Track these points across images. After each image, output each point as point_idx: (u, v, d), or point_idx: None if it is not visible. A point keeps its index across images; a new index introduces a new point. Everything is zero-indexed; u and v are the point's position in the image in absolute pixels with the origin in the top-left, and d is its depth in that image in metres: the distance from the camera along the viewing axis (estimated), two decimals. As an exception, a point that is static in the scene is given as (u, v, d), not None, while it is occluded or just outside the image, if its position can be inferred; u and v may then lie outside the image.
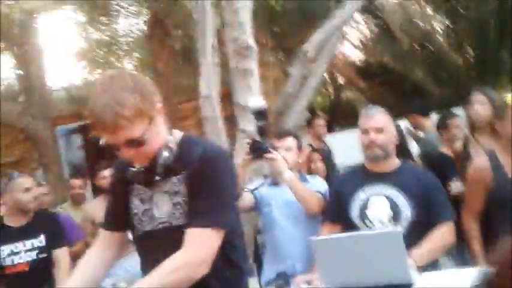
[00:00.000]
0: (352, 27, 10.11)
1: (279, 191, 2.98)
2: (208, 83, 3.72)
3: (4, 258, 3.11)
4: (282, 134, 3.08)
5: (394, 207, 2.45)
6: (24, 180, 3.20)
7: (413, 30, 8.97)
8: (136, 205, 1.75)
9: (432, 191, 2.49)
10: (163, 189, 1.69)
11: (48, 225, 3.25)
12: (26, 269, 3.08)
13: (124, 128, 1.49)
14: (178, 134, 1.73)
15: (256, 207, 3.01)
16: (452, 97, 7.13)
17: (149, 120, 1.56)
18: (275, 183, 3.03)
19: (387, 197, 2.48)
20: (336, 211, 2.62)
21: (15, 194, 3.14)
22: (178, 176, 1.67)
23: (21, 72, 9.70)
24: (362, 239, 2.16)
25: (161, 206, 1.70)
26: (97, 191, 4.46)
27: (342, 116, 9.77)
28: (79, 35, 12.72)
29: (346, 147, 5.44)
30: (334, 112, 5.96)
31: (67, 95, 13.57)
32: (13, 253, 3.12)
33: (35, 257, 3.14)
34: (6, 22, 9.30)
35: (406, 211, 2.43)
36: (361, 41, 10.26)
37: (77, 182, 4.98)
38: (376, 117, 2.56)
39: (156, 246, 1.66)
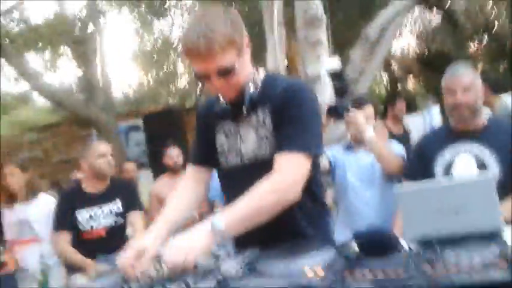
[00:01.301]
0: (411, 16, 9.92)
1: (355, 155, 2.94)
2: (275, 57, 3.71)
3: (82, 223, 3.19)
4: (361, 102, 3.00)
5: (481, 165, 2.33)
6: (100, 146, 3.29)
7: (476, 17, 8.70)
8: (223, 141, 1.78)
9: None
10: (250, 124, 1.71)
11: (124, 191, 3.32)
12: (103, 234, 3.16)
13: (216, 55, 1.54)
14: (262, 71, 1.76)
15: (331, 171, 2.97)
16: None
17: (239, 51, 1.60)
18: (351, 148, 2.99)
19: (474, 155, 2.37)
20: (418, 170, 2.50)
21: (91, 160, 3.22)
22: (264, 109, 1.69)
23: (81, 72, 10.15)
24: (452, 187, 2.07)
25: (247, 141, 1.72)
26: (163, 170, 4.60)
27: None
28: (136, 36, 13.13)
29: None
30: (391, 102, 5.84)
31: (124, 94, 14.09)
32: (91, 218, 3.20)
33: (112, 223, 3.21)
34: (68, 22, 9.74)
35: (494, 169, 2.30)
36: (420, 30, 10.05)
37: (129, 165, 5.13)
38: (463, 76, 2.43)
39: (243, 181, 1.64)
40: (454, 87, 2.42)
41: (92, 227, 3.20)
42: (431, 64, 8.90)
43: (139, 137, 9.18)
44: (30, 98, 13.33)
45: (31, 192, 3.88)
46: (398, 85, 11.47)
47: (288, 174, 1.59)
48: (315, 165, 1.74)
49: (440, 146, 2.47)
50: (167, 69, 13.39)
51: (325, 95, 3.11)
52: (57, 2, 10.42)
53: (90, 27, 9.73)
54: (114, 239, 3.11)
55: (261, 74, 1.75)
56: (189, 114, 7.68)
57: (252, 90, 1.67)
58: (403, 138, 4.78)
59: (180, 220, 1.74)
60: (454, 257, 1.11)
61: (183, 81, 13.47)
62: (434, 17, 9.90)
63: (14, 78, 10.06)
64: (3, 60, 8.63)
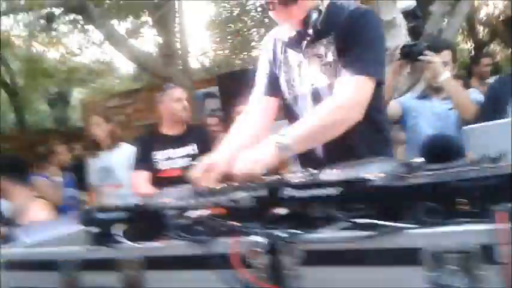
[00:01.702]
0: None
1: (429, 103, 2.86)
2: None
3: (160, 162, 3.37)
4: (438, 45, 2.92)
5: None
6: (175, 91, 3.44)
7: None
8: (288, 71, 1.83)
9: None
10: (314, 52, 1.75)
11: (200, 136, 3.49)
12: (180, 174, 3.30)
13: None
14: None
15: (402, 118, 2.92)
16: None
17: None
18: (425, 95, 2.90)
19: None
20: (491, 112, 2.44)
21: (168, 104, 3.38)
22: (328, 38, 1.72)
23: (161, 39, 10.48)
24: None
25: (311, 69, 1.76)
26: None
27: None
28: (213, 4, 13.30)
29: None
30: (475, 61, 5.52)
31: (200, 62, 14.40)
32: (168, 158, 3.37)
33: (188, 164, 3.34)
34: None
35: None
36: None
37: (212, 119, 5.26)
38: None
39: (307, 108, 1.67)
40: None
41: (169, 166, 3.36)
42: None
43: (216, 103, 9.38)
44: (113, 66, 13.99)
45: (114, 141, 4.14)
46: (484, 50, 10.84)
47: (351, 94, 1.61)
48: (379, 94, 1.75)
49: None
50: (242, 37, 13.51)
51: (401, 38, 3.02)
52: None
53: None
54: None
55: (325, 2, 1.76)
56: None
57: (316, 16, 1.70)
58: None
59: (247, 143, 1.81)
60: None
61: (257, 50, 13.56)
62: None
63: (99, 42, 10.57)
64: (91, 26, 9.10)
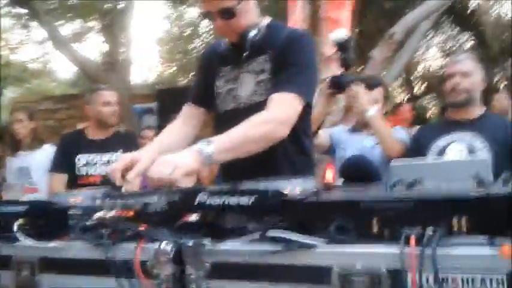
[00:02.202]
0: (436, 34, 9.87)
1: (358, 136, 2.89)
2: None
3: (79, 167, 3.19)
4: (371, 82, 2.96)
5: (472, 153, 2.35)
6: (105, 93, 3.29)
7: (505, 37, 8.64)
8: (221, 85, 1.83)
9: None
10: (249, 69, 1.76)
11: (127, 141, 3.31)
12: (98, 181, 3.13)
13: None
14: (267, 19, 1.81)
15: (332, 148, 2.93)
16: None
17: None
18: (355, 129, 2.94)
19: (466, 144, 2.39)
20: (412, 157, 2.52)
21: (96, 105, 3.23)
22: (265, 55, 1.73)
23: (107, 48, 10.26)
24: (446, 164, 2.04)
25: (245, 85, 1.76)
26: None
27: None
28: (165, 20, 13.21)
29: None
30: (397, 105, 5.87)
31: (143, 77, 14.19)
32: (88, 164, 3.20)
33: None
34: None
35: (485, 156, 2.28)
36: (444, 49, 10.00)
37: (149, 133, 5.11)
38: (463, 62, 2.48)
39: (238, 124, 1.64)
40: (453, 72, 2.45)
41: (87, 172, 3.19)
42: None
43: (153, 120, 9.22)
44: (51, 68, 13.50)
45: (36, 141, 3.91)
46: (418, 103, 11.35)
47: (279, 110, 1.62)
48: (306, 117, 1.77)
49: (435, 135, 2.50)
50: (190, 57, 13.46)
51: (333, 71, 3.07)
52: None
53: (121, 4, 9.84)
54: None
55: (266, 21, 1.80)
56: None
57: (255, 32, 1.72)
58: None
59: (171, 147, 1.74)
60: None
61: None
62: (463, 37, 9.83)
63: (40, 41, 10.19)
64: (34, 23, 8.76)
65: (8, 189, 2.66)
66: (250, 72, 1.76)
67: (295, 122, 1.65)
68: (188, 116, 1.90)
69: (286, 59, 1.69)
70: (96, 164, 3.21)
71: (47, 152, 3.84)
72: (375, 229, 0.92)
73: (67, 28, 10.45)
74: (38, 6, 8.15)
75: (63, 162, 3.21)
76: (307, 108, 1.74)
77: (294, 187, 1.20)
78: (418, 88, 11.45)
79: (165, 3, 12.32)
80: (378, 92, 2.87)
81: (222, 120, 1.79)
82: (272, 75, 1.71)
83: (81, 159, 3.21)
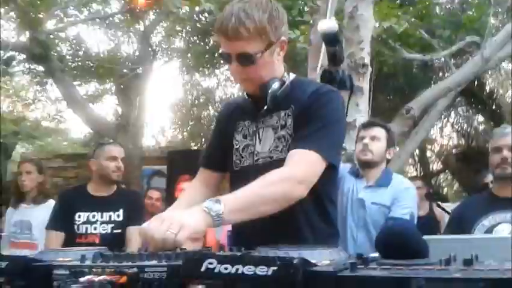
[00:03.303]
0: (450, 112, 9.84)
1: (360, 184, 2.72)
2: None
3: (78, 225, 2.99)
4: (369, 123, 2.90)
5: None
6: (111, 148, 3.14)
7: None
8: (239, 141, 1.69)
9: None
10: (269, 124, 1.63)
11: (129, 202, 3.13)
12: (97, 241, 2.95)
13: (242, 38, 1.49)
14: (293, 75, 1.69)
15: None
16: None
17: (267, 45, 1.54)
18: (357, 172, 2.79)
19: None
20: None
21: (100, 160, 3.07)
22: (286, 110, 1.60)
23: (121, 110, 10.32)
24: (485, 242, 1.85)
25: (264, 141, 1.62)
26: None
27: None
28: (180, 87, 13.40)
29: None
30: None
31: (156, 140, 14.20)
32: (88, 222, 3.00)
33: (109, 231, 3.00)
34: (119, 60, 10.04)
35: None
36: (463, 128, 9.95)
37: (155, 193, 4.95)
38: (510, 134, 2.34)
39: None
40: (501, 145, 2.33)
41: (86, 230, 2.99)
42: (470, 161, 8.66)
43: (162, 183, 9.08)
44: (64, 127, 13.58)
45: (42, 195, 3.75)
46: (432, 180, 11.17)
47: (298, 168, 1.47)
48: (329, 180, 1.61)
49: (480, 213, 2.33)
50: (203, 124, 13.52)
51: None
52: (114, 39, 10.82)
53: (139, 69, 10.00)
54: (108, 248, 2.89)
55: (291, 76, 1.68)
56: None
57: (277, 86, 1.59)
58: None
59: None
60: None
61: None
62: (478, 116, 9.80)
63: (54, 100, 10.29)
64: (51, 81, 8.85)
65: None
66: (270, 127, 1.62)
67: (315, 182, 1.49)
68: (204, 180, 1.77)
69: (310, 114, 1.55)
70: (96, 222, 3.01)
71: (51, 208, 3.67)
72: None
73: (82, 88, 10.60)
74: (55, 65, 8.25)
75: (62, 219, 3.02)
76: (331, 171, 1.57)
77: (321, 257, 1.00)
78: (433, 165, 11.29)
79: (180, 71, 12.52)
80: (375, 130, 2.78)
81: (239, 177, 1.62)
82: (293, 130, 1.57)
83: (81, 216, 3.01)
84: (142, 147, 10.31)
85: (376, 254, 1.06)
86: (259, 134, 1.64)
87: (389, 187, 2.72)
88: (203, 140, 13.56)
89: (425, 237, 1.37)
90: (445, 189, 11.21)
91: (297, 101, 1.59)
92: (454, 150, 10.27)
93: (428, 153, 11.15)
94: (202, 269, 0.94)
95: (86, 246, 2.92)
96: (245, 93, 1.69)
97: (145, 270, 1.05)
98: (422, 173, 10.76)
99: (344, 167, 2.65)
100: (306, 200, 1.49)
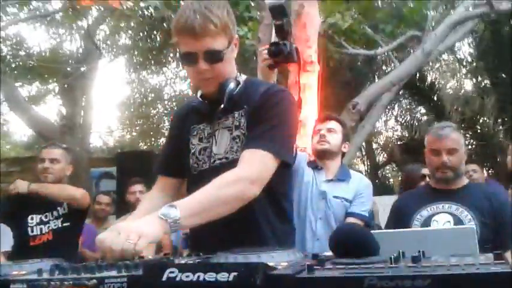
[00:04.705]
0: (396, 105, 10.15)
1: (320, 176, 2.78)
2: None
3: (33, 227, 3.06)
4: (325, 117, 2.95)
5: (459, 224, 2.26)
6: (44, 151, 3.19)
7: (463, 112, 8.98)
8: (195, 144, 1.69)
9: (503, 211, 2.31)
10: (225, 125, 1.64)
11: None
12: (51, 237, 3.03)
13: (209, 35, 1.50)
14: (244, 75, 1.71)
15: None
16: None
17: (229, 42, 1.56)
18: (315, 164, 2.84)
19: (452, 214, 2.33)
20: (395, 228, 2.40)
21: (37, 163, 3.08)
22: (240, 111, 1.62)
23: (66, 111, 10.03)
24: (431, 234, 1.93)
25: (220, 142, 1.64)
26: (125, 207, 4.33)
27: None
28: (127, 85, 13.15)
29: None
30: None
31: (104, 141, 13.90)
32: (41, 222, 3.05)
33: (59, 225, 3.07)
34: (62, 59, 9.75)
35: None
36: (406, 120, 10.27)
37: (104, 198, 4.86)
38: (449, 138, 2.41)
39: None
40: (439, 148, 2.40)
41: (41, 231, 3.06)
42: (414, 153, 8.99)
43: (112, 185, 8.91)
44: (6, 130, 13.07)
45: None
46: (379, 172, 11.50)
47: (251, 168, 1.48)
48: (283, 178, 1.63)
49: (419, 205, 2.42)
50: (152, 123, 13.34)
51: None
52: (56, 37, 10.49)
53: (83, 68, 9.74)
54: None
55: (244, 76, 1.70)
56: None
57: (233, 85, 1.60)
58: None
59: None
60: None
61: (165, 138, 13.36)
62: (420, 108, 10.15)
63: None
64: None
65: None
66: (226, 129, 1.63)
67: (270, 181, 1.51)
68: (163, 187, 1.76)
69: (261, 115, 1.57)
70: (47, 221, 3.05)
71: None
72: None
73: (25, 90, 10.25)
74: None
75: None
76: (285, 169, 1.59)
77: (279, 260, 1.04)
78: (379, 158, 11.63)
79: (127, 69, 12.30)
80: (332, 123, 2.85)
81: (196, 181, 1.61)
82: (247, 131, 1.59)
83: (34, 219, 3.06)
84: (89, 148, 10.05)
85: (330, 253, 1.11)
86: (215, 136, 1.64)
87: (350, 182, 2.79)
88: (152, 139, 13.39)
89: (374, 232, 1.43)
90: (391, 181, 11.55)
91: (250, 101, 1.61)
92: (398, 142, 10.60)
93: (374, 146, 11.46)
94: (164, 278, 0.96)
95: (41, 247, 2.97)
96: (199, 96, 1.68)
97: (105, 281, 1.05)
98: (369, 166, 11.08)
99: (301, 156, 2.70)
100: (262, 199, 1.51)
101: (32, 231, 3.02)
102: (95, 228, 4.32)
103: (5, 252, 3.52)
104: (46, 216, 3.05)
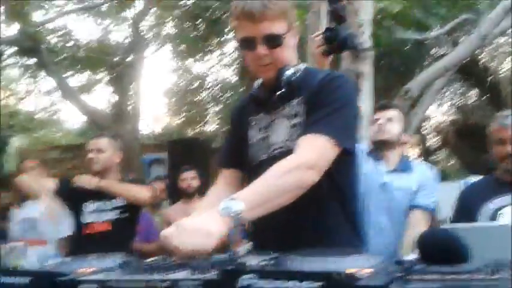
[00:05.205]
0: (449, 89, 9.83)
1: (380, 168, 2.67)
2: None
3: (87, 215, 3.06)
4: (384, 106, 2.81)
5: None
6: (91, 142, 3.16)
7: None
8: (254, 135, 1.66)
9: None
10: (283, 114, 1.59)
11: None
12: (108, 228, 3.02)
13: (268, 19, 1.47)
14: (304, 64, 1.67)
15: None
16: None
17: (288, 28, 1.53)
18: (375, 154, 2.72)
19: None
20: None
21: (87, 154, 3.09)
22: (298, 99, 1.57)
23: (115, 98, 10.24)
24: (493, 229, 1.85)
25: (279, 131, 1.59)
26: (178, 195, 4.37)
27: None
28: (172, 74, 13.28)
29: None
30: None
31: (151, 128, 14.13)
32: (96, 211, 3.06)
33: (117, 216, 3.05)
34: (110, 49, 9.93)
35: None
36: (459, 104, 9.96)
37: (159, 184, 4.91)
38: None
39: None
40: (505, 138, 2.25)
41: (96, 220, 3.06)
42: (469, 137, 8.68)
43: (162, 170, 9.05)
44: (58, 118, 13.48)
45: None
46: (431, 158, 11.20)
47: (309, 154, 1.42)
48: (346, 167, 1.56)
49: (485, 198, 2.28)
50: (197, 110, 13.45)
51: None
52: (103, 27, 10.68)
53: (131, 57, 9.89)
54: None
55: (304, 65, 1.66)
56: (214, 154, 7.53)
57: (292, 71, 1.56)
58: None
59: None
60: None
61: (211, 125, 13.49)
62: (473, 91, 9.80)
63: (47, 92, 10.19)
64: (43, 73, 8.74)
65: (9, 252, 2.41)
66: (284, 117, 1.59)
67: (332, 172, 1.45)
68: (226, 180, 1.73)
69: (320, 99, 1.51)
70: (103, 211, 3.05)
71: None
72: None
73: (75, 79, 10.50)
74: (46, 57, 8.14)
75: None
76: (347, 157, 1.52)
77: (361, 265, 0.98)
78: (430, 143, 11.31)
79: (173, 58, 12.40)
80: (391, 113, 2.71)
81: (256, 171, 1.57)
82: (306, 115, 1.53)
83: (88, 207, 3.07)
84: (139, 135, 10.25)
85: (407, 256, 1.05)
86: (273, 125, 1.61)
87: (413, 173, 2.69)
88: (198, 125, 13.51)
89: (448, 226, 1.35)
90: (444, 166, 11.23)
91: (309, 87, 1.56)
92: (451, 128, 10.29)
93: (425, 131, 11.17)
94: (241, 284, 0.92)
95: (97, 236, 2.98)
96: (257, 84, 1.65)
97: (179, 284, 1.03)
98: (421, 151, 10.79)
99: (359, 147, 2.62)
100: (324, 189, 1.46)
101: (87, 220, 3.04)
102: (150, 216, 4.36)
103: (61, 240, 3.63)
104: (103, 205, 3.06)
